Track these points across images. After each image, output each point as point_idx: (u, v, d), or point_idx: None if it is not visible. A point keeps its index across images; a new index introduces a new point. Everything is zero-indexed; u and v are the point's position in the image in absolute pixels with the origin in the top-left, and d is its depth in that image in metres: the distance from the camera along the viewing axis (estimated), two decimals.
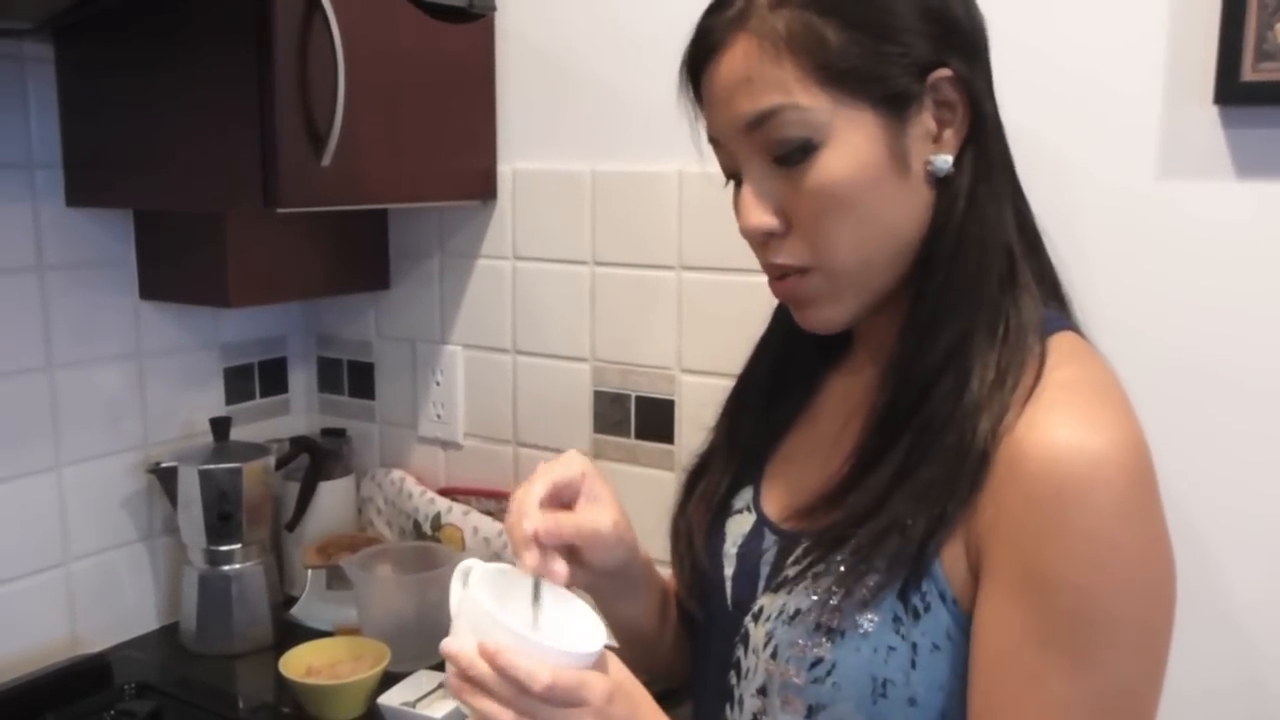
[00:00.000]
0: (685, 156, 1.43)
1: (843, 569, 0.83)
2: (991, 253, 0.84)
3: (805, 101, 0.81)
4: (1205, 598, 1.16)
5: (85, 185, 1.47)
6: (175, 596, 1.63)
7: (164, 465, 1.55)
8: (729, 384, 1.44)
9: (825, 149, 0.81)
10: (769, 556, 0.93)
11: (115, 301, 1.56)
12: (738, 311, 1.43)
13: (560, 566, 0.86)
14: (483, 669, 0.77)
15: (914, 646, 0.81)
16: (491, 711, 0.78)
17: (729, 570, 0.96)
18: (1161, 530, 0.78)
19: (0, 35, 1.38)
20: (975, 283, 0.84)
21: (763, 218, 0.85)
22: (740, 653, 0.91)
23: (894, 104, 0.82)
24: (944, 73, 0.82)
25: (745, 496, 0.99)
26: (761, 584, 0.92)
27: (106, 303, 1.55)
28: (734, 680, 0.92)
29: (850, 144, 0.81)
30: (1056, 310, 0.90)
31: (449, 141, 1.53)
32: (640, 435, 1.54)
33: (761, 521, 0.96)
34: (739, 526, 0.97)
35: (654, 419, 1.53)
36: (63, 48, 1.44)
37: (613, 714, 0.79)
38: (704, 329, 1.47)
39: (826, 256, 0.84)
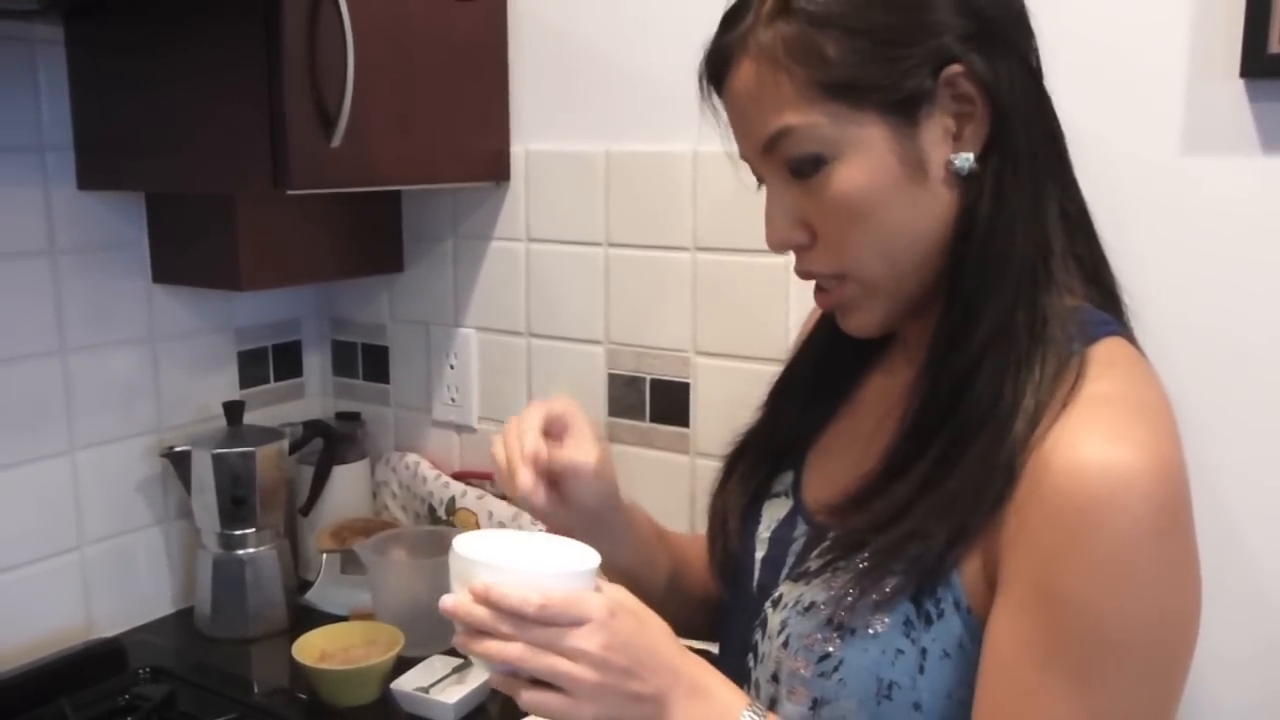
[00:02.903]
0: (700, 136, 1.43)
1: (861, 569, 0.82)
2: (1021, 253, 0.80)
3: (808, 119, 0.80)
4: (1230, 571, 1.14)
5: (97, 168, 1.46)
6: (190, 581, 1.63)
7: (177, 449, 1.55)
8: (744, 366, 1.44)
9: (837, 162, 0.80)
10: (797, 545, 0.93)
11: (128, 285, 1.56)
12: (753, 293, 1.42)
13: (542, 491, 0.91)
14: (480, 612, 0.77)
15: (923, 652, 0.80)
16: (500, 652, 0.77)
17: (760, 553, 0.96)
18: (1186, 560, 0.74)
19: (9, 17, 1.37)
20: (1003, 285, 0.80)
21: (787, 233, 0.86)
22: (759, 636, 0.90)
23: (903, 108, 0.79)
24: (956, 69, 0.79)
25: (785, 481, 0.98)
26: (785, 571, 0.92)
27: (119, 287, 1.54)
28: (752, 663, 0.91)
29: (861, 154, 0.80)
30: (1108, 313, 0.86)
31: (461, 122, 1.52)
32: (655, 419, 1.53)
33: (797, 508, 0.95)
34: (775, 511, 0.97)
35: (669, 402, 1.51)
36: (72, 29, 1.43)
37: (618, 628, 0.78)
38: (719, 311, 1.46)
39: (854, 265, 0.84)
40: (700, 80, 0.88)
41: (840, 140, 0.80)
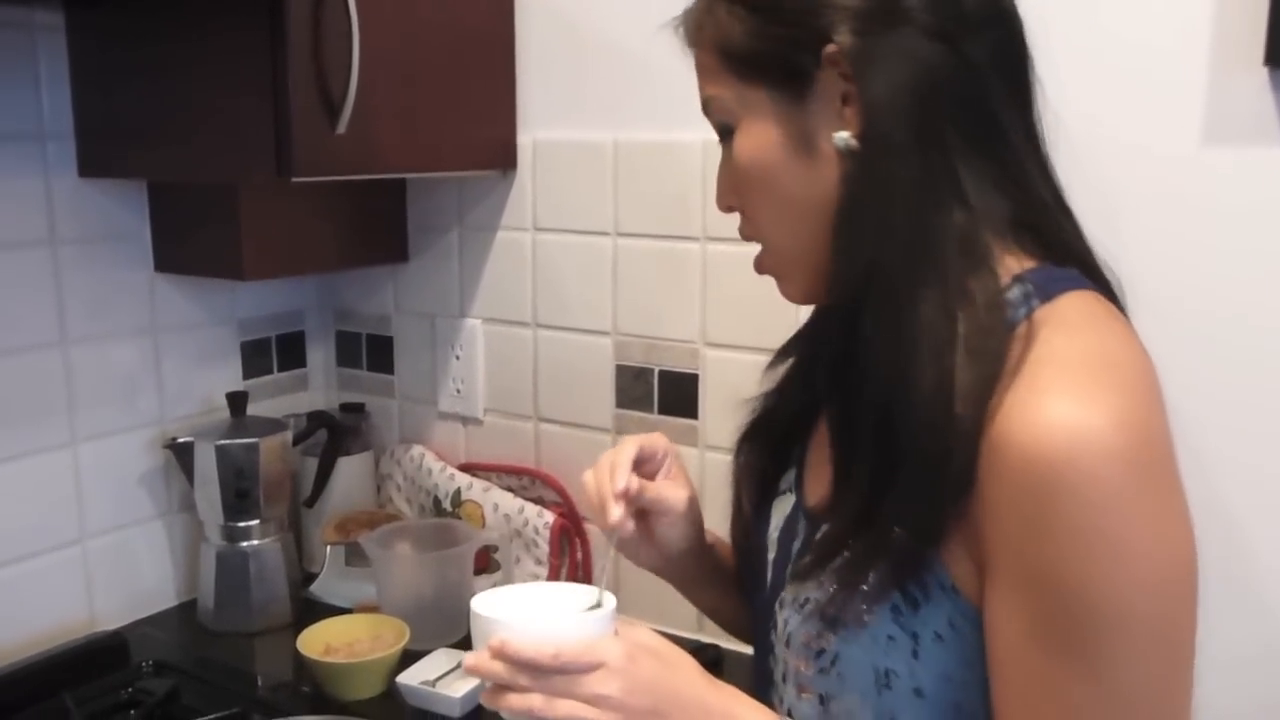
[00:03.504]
0: (708, 125, 1.41)
1: (844, 563, 0.81)
2: (894, 232, 0.78)
3: (718, 90, 0.85)
4: (1234, 569, 1.13)
5: (98, 156, 1.44)
6: (193, 574, 1.62)
7: (180, 441, 1.53)
8: (754, 358, 1.42)
9: (738, 131, 0.85)
10: (799, 542, 0.92)
11: (130, 276, 1.54)
12: (763, 284, 1.38)
13: (631, 524, 0.94)
14: (498, 668, 0.79)
15: (915, 636, 0.78)
16: (523, 704, 0.79)
17: (771, 554, 0.95)
18: (1170, 517, 0.71)
19: (10, 2, 1.36)
20: (863, 265, 0.79)
21: (720, 196, 0.91)
22: (773, 638, 0.90)
23: (788, 83, 0.82)
24: (831, 48, 0.79)
25: (789, 478, 0.97)
26: (789, 570, 0.91)
27: (121, 277, 1.53)
28: (771, 664, 0.91)
29: (753, 125, 0.84)
30: (1072, 271, 0.82)
31: (467, 110, 1.50)
32: (663, 411, 1.52)
33: (798, 505, 0.94)
34: (782, 509, 0.96)
35: (677, 394, 1.50)
36: (73, 15, 1.41)
37: (637, 670, 0.79)
38: (728, 302, 1.44)
39: (760, 233, 0.89)
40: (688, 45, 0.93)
41: (738, 111, 0.84)
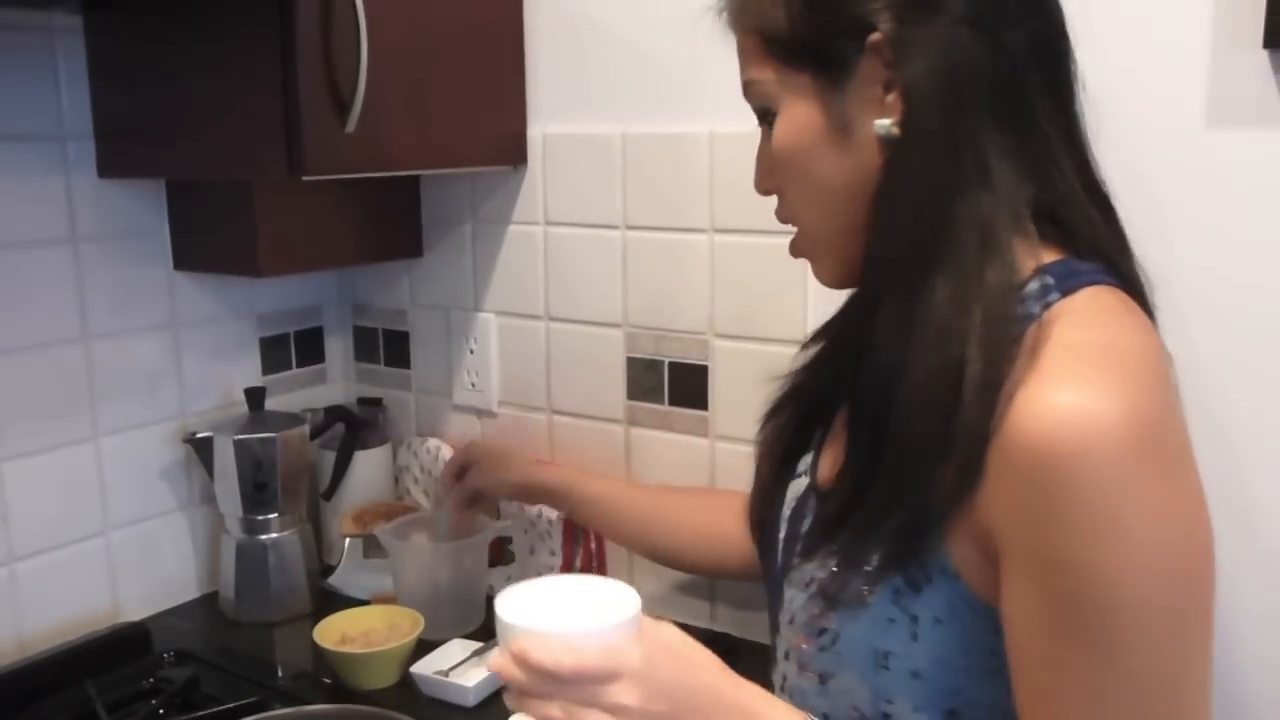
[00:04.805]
0: (716, 117, 1.42)
1: (846, 541, 0.82)
2: (921, 219, 0.80)
3: (760, 74, 0.87)
4: (1256, 559, 1.12)
5: (117, 156, 1.47)
6: (214, 565, 1.64)
7: (200, 435, 1.56)
8: (763, 349, 1.43)
9: (779, 116, 0.86)
10: (808, 522, 0.93)
11: (150, 272, 1.56)
12: (772, 275, 1.41)
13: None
14: (519, 674, 0.80)
15: (914, 619, 0.79)
16: (542, 711, 0.80)
17: (782, 533, 0.97)
18: (1183, 507, 0.72)
19: (29, 6, 1.38)
20: (894, 250, 0.81)
21: (759, 179, 0.93)
22: (781, 616, 0.92)
23: (830, 70, 0.83)
24: (875, 37, 0.80)
25: (806, 461, 0.99)
26: (798, 548, 0.92)
27: (141, 274, 1.55)
28: (776, 641, 0.93)
29: (794, 110, 0.86)
30: (1093, 265, 0.83)
31: (477, 106, 1.51)
32: (674, 401, 1.52)
33: (811, 486, 0.95)
34: (796, 489, 0.98)
35: (688, 385, 1.51)
36: (91, 17, 1.44)
37: (656, 675, 0.79)
38: (738, 293, 1.45)
39: (797, 217, 0.91)
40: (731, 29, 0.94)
41: (780, 96, 0.86)
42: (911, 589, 0.79)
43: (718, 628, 1.50)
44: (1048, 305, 0.77)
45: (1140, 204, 1.12)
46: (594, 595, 0.86)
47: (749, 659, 1.40)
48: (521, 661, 0.79)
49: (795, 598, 0.88)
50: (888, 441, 0.78)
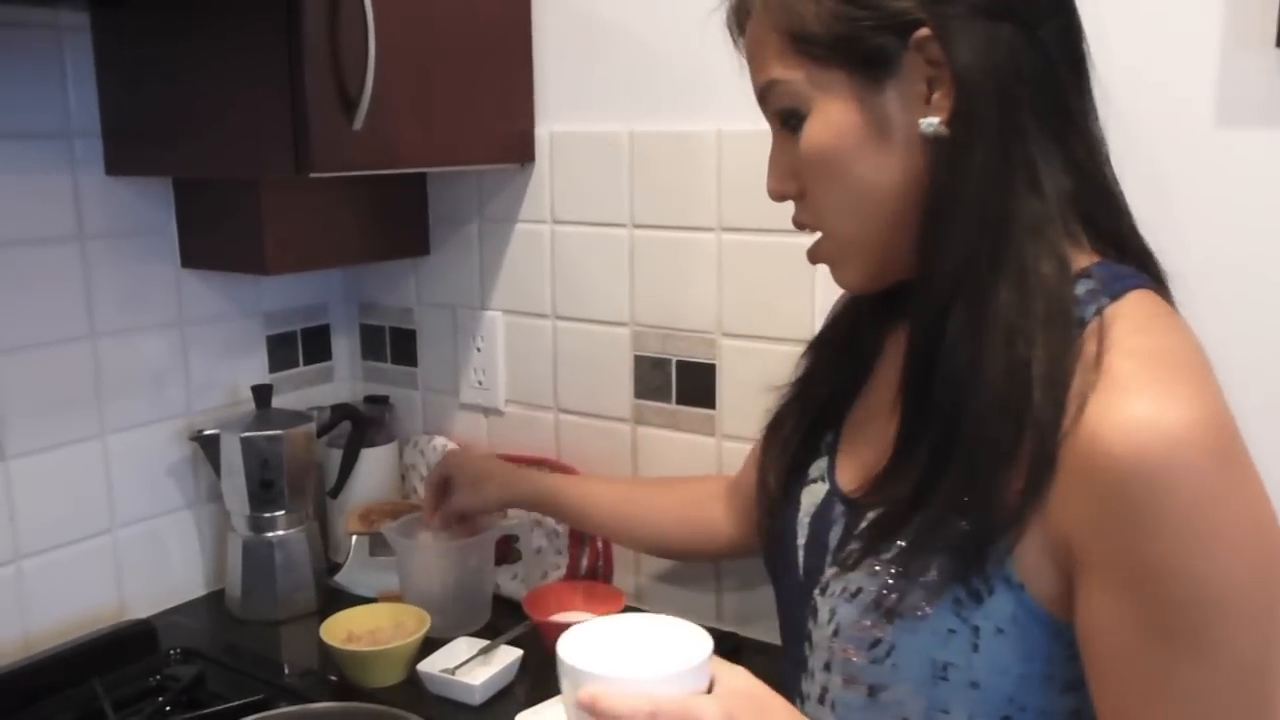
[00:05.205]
0: (723, 116, 1.42)
1: (903, 552, 0.81)
2: (984, 220, 0.79)
3: (788, 74, 0.83)
4: None
5: (124, 154, 1.47)
6: (221, 563, 1.64)
7: (207, 433, 1.56)
8: (770, 348, 1.43)
9: (810, 117, 0.83)
10: (837, 530, 0.91)
11: (157, 270, 1.56)
12: (779, 273, 1.40)
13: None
14: None
15: (976, 630, 0.78)
16: None
17: (801, 539, 0.95)
18: (1261, 499, 0.73)
19: (36, 3, 1.38)
20: (959, 253, 0.79)
21: (777, 183, 0.89)
22: (811, 625, 0.90)
23: (868, 68, 0.80)
24: (923, 33, 0.78)
25: (820, 466, 0.97)
26: (829, 556, 0.91)
27: (148, 271, 1.55)
28: (806, 651, 0.91)
29: (828, 110, 0.82)
30: (1131, 268, 0.83)
31: (485, 104, 1.51)
32: (681, 400, 1.52)
33: (833, 492, 0.94)
34: (812, 496, 0.96)
35: (695, 384, 1.51)
36: (98, 14, 1.44)
37: None
38: (745, 292, 1.45)
39: (825, 221, 0.87)
40: (730, 30, 0.91)
41: (812, 96, 0.82)
42: (974, 600, 0.78)
43: (723, 626, 1.50)
44: (1099, 310, 0.77)
45: (1151, 202, 1.12)
46: (661, 636, 0.82)
47: (754, 658, 1.40)
48: (593, 709, 0.75)
49: (839, 608, 0.85)
50: (958, 443, 0.77)
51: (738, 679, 0.80)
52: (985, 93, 0.78)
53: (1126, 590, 0.72)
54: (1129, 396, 0.72)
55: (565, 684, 0.79)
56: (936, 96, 0.79)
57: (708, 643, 0.80)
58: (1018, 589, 0.77)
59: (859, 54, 0.80)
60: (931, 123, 0.79)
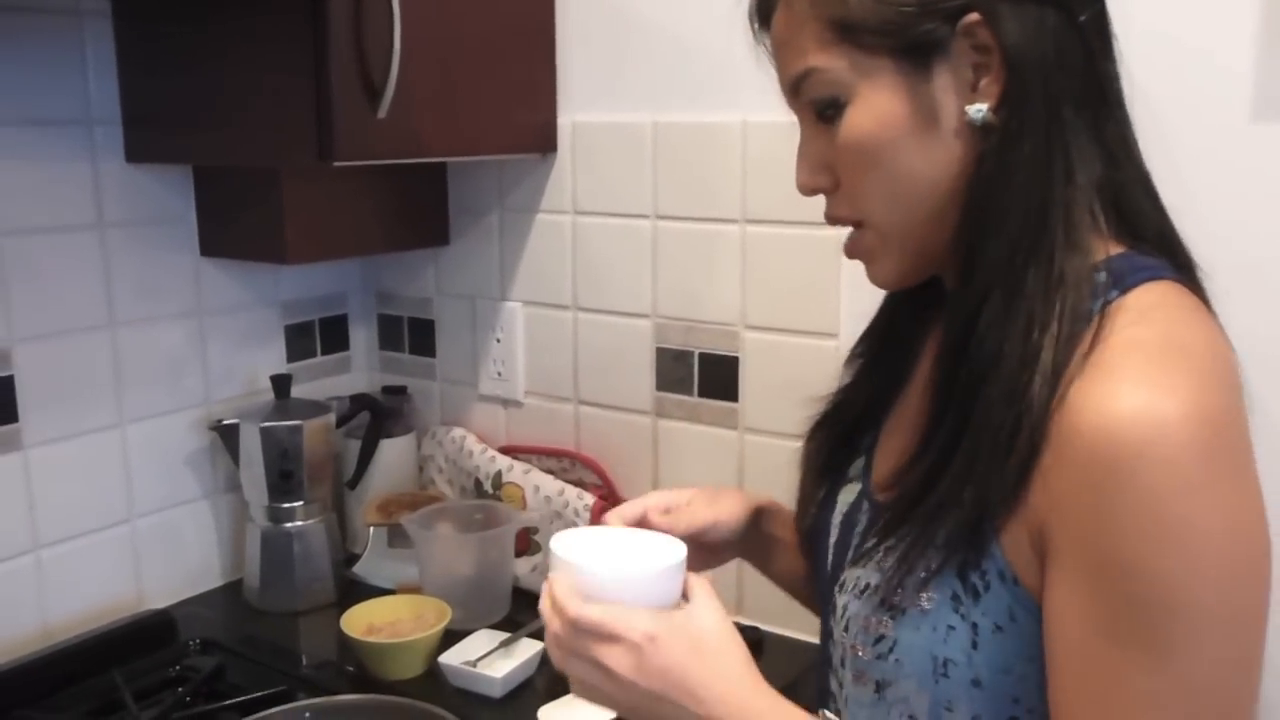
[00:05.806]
0: (748, 106, 1.40)
1: (905, 546, 0.80)
2: (1025, 208, 0.77)
3: (827, 62, 0.80)
4: None
5: (144, 141, 1.46)
6: (239, 553, 1.64)
7: (225, 423, 1.55)
8: (795, 341, 1.42)
9: (852, 106, 0.80)
10: (861, 528, 0.91)
11: (176, 259, 1.56)
12: (804, 266, 1.39)
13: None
14: (545, 602, 0.84)
15: (974, 627, 0.77)
16: (548, 639, 0.84)
17: (832, 538, 0.95)
18: (1247, 508, 0.70)
19: None
20: (1001, 241, 0.78)
21: (809, 176, 0.86)
22: (832, 622, 0.89)
23: (915, 55, 0.78)
24: (973, 18, 0.77)
25: (858, 466, 0.96)
26: (850, 555, 0.90)
27: (167, 260, 1.55)
28: (831, 649, 0.90)
29: (872, 99, 0.80)
30: (1155, 260, 0.81)
31: (507, 94, 1.50)
32: (703, 393, 1.51)
33: (864, 491, 0.93)
34: (848, 495, 0.95)
35: (717, 377, 1.50)
36: (119, 1, 1.43)
37: (656, 651, 0.80)
38: (768, 284, 1.43)
39: (868, 212, 0.84)
40: (750, 20, 0.89)
41: (855, 84, 0.80)
42: (970, 595, 0.77)
43: (745, 620, 1.49)
44: (1106, 303, 0.76)
45: (1183, 197, 1.11)
46: (644, 546, 0.89)
47: (779, 652, 1.39)
48: (548, 592, 0.83)
49: (849, 604, 0.85)
50: (967, 432, 0.76)
51: (698, 613, 0.83)
52: (1034, 78, 0.77)
53: (1087, 581, 0.70)
54: (1109, 381, 0.70)
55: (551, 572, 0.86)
56: (984, 83, 0.78)
57: (679, 552, 0.86)
58: (1012, 584, 0.76)
59: (906, 40, 0.78)
60: (980, 109, 0.78)
